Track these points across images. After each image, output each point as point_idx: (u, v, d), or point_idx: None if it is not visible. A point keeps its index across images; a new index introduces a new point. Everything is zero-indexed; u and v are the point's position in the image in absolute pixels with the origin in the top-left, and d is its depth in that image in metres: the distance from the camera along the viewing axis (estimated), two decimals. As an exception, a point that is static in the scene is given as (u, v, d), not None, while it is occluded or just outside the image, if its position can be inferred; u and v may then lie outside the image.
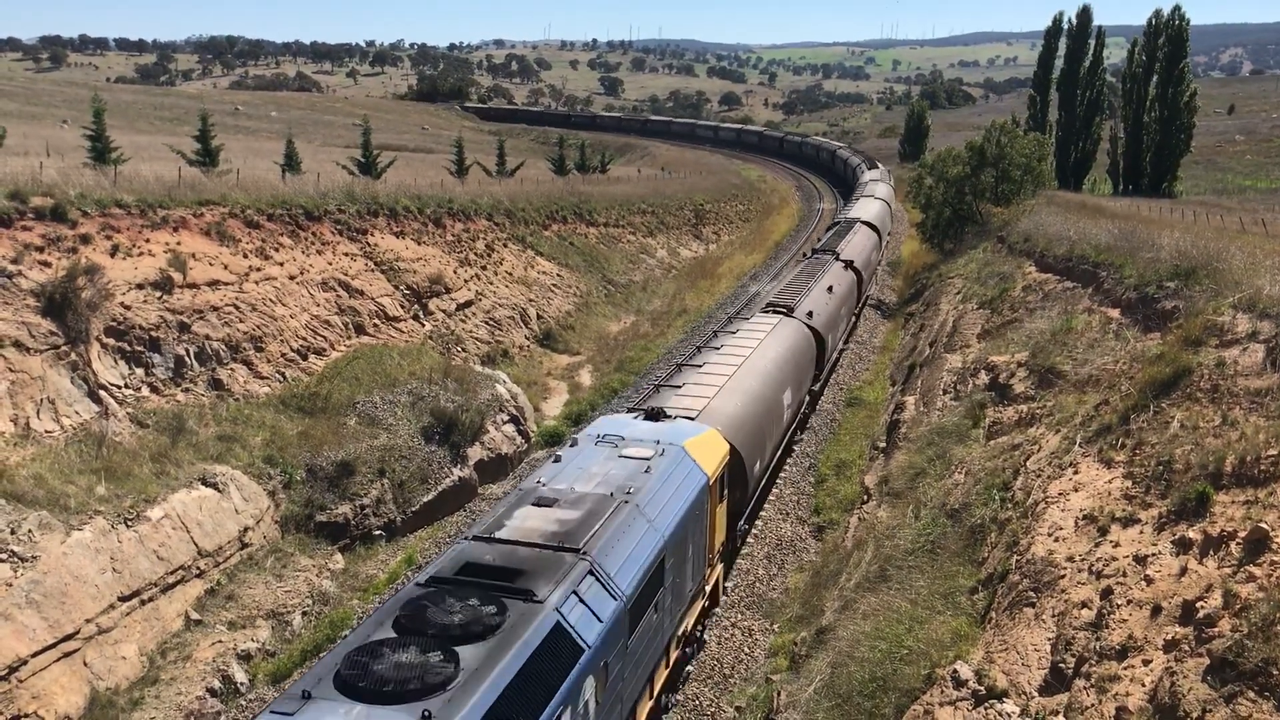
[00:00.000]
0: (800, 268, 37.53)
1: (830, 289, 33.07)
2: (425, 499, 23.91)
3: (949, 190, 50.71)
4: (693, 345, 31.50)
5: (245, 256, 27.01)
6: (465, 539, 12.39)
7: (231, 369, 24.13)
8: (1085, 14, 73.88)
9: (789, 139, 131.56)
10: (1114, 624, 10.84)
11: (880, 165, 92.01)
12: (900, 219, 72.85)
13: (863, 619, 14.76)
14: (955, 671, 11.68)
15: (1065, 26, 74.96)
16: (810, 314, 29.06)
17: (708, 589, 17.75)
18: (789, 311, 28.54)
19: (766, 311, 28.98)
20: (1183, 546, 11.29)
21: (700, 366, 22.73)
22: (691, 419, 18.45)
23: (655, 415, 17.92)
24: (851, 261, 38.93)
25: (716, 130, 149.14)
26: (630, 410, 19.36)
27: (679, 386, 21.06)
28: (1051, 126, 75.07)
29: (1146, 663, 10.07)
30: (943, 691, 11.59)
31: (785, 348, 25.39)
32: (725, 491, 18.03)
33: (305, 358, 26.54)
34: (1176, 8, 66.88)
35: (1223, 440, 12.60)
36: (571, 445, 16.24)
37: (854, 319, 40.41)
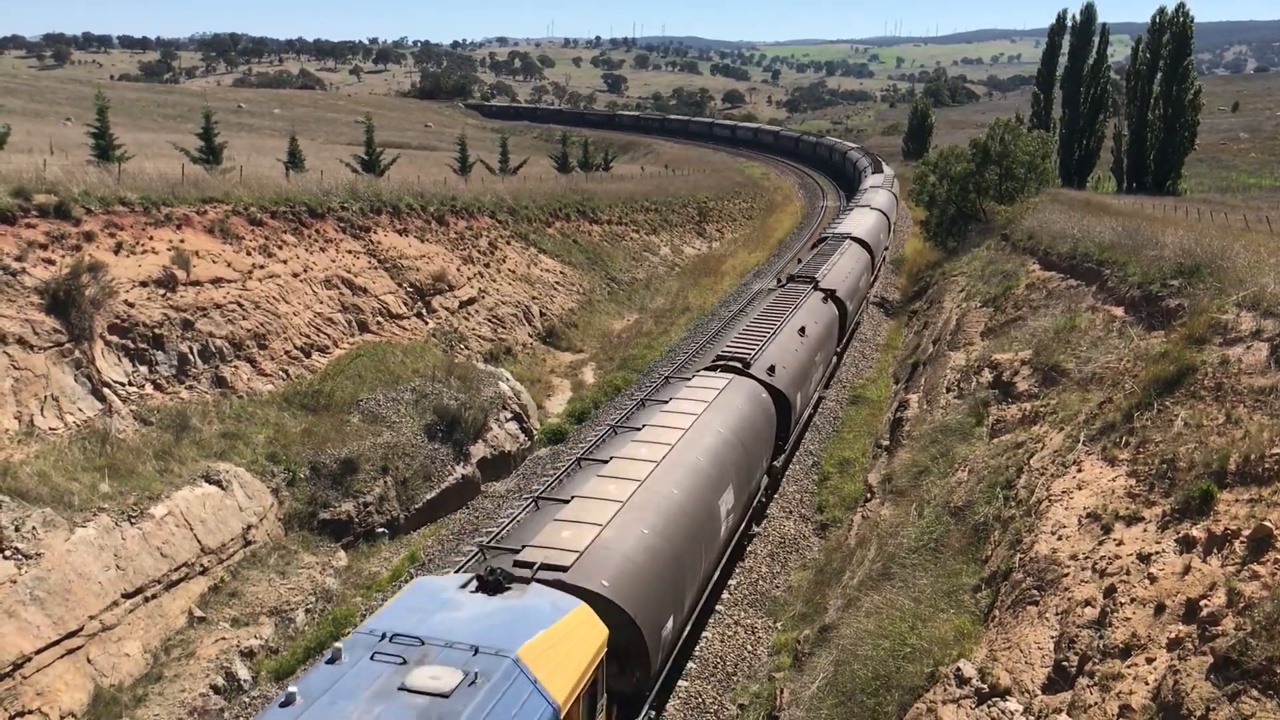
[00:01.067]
0: (769, 300, 31.85)
1: (802, 331, 27.43)
2: (428, 496, 23.94)
3: (953, 188, 50.65)
4: (623, 412, 24.55)
5: (249, 254, 27.04)
6: None
7: (235, 366, 24.15)
8: (1089, 11, 73.70)
9: (804, 139, 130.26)
10: (1117, 622, 10.83)
11: (887, 168, 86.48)
12: (904, 218, 72.65)
13: (866, 617, 14.75)
14: (958, 669, 11.68)
15: (1069, 24, 74.83)
16: (771, 369, 23.48)
17: None
18: (743, 368, 22.87)
19: (714, 368, 23.13)
20: (1186, 545, 11.27)
21: (606, 463, 16.64)
22: (562, 570, 12.59)
23: (493, 583, 11.80)
24: (833, 291, 33.10)
25: (734, 130, 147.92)
26: (477, 553, 13.55)
27: (565, 501, 14.98)
28: (1055, 124, 74.91)
29: (1150, 661, 10.06)
30: (946, 689, 11.59)
31: (732, 423, 19.51)
32: (601, 701, 12.21)
33: (308, 355, 26.56)
34: (1181, 5, 66.68)
35: (1226, 438, 12.59)
36: (329, 660, 10.09)
37: (834, 361, 34.13)
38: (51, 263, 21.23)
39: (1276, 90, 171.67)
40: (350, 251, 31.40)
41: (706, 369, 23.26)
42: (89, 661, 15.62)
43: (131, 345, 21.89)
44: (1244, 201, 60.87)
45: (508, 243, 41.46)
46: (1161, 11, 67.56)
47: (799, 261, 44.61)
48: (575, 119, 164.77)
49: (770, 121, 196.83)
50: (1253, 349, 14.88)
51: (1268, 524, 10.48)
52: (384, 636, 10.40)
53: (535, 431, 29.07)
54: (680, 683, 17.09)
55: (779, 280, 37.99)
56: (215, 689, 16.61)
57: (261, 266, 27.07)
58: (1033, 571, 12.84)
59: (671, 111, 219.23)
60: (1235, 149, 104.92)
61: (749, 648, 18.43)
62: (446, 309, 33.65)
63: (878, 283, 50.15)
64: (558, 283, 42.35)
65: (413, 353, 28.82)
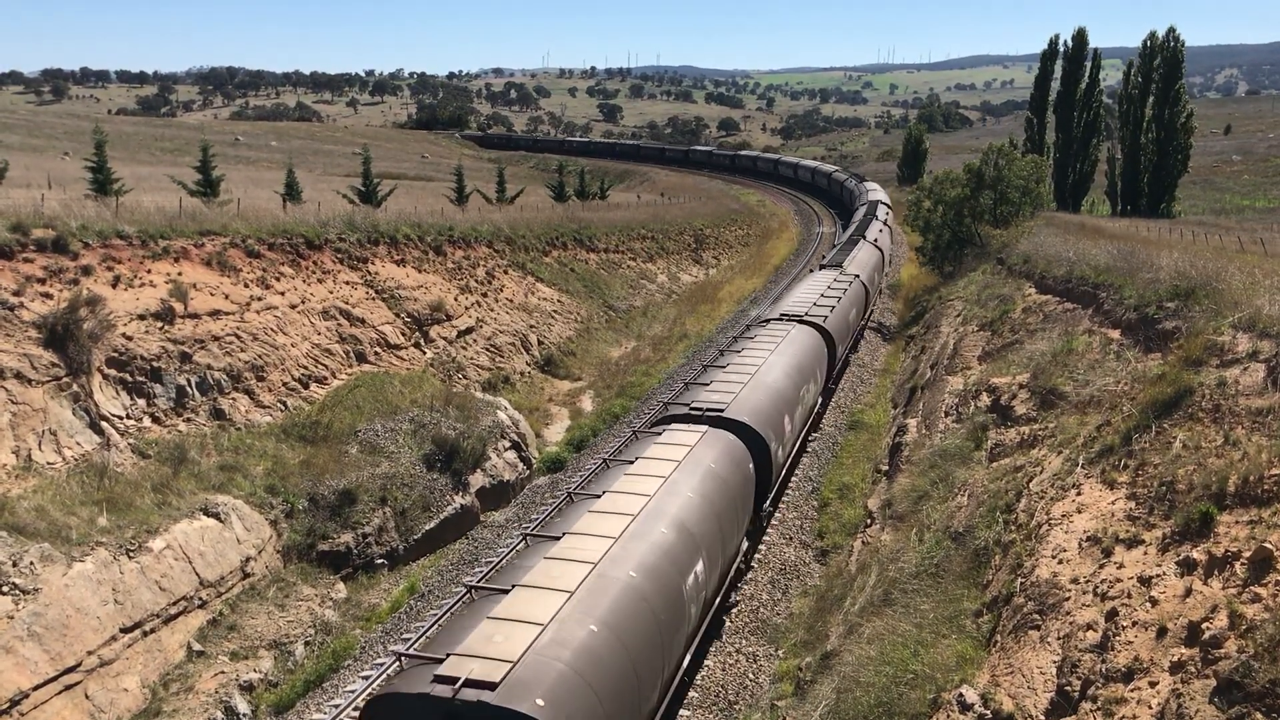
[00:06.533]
0: (752, 338, 28.05)
1: (786, 371, 24.68)
2: (427, 527, 23.86)
3: (948, 213, 50.86)
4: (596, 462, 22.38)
5: (246, 286, 27.10)
6: None
7: (233, 398, 24.14)
8: (1081, 36, 74.26)
9: (834, 178, 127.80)
10: (1119, 646, 10.79)
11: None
12: (900, 243, 72.75)
13: (867, 643, 14.68)
14: (961, 695, 11.61)
15: (1061, 49, 75.33)
16: (750, 422, 20.52)
17: None
18: (718, 419, 19.82)
19: (687, 420, 20.17)
20: (1187, 567, 11.24)
21: (555, 540, 14.02)
22: (489, 688, 10.40)
23: None
24: (823, 327, 29.84)
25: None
26: (393, 661, 11.95)
27: (505, 590, 12.48)
28: (1049, 148, 75.33)
29: (1153, 685, 10.01)
30: (948, 716, 11.52)
31: (706, 488, 16.96)
32: None
33: (306, 386, 26.56)
34: (1172, 29, 67.33)
35: (1225, 460, 12.57)
36: None
37: (822, 402, 29.91)
38: (49, 297, 21.28)
39: (1268, 113, 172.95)
40: (348, 282, 31.47)
41: (678, 421, 20.45)
42: (87, 697, 15.51)
43: (129, 378, 21.90)
44: (1238, 223, 61.21)
45: (505, 272, 41.57)
46: (1153, 36, 68.19)
47: (786, 293, 39.67)
48: (579, 149, 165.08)
49: (765, 149, 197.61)
50: (1249, 370, 14.90)
51: (1268, 545, 10.46)
52: None
53: (534, 460, 29.02)
54: (682, 712, 16.98)
55: (762, 317, 33.03)
56: (214, 724, 16.49)
57: (259, 298, 27.12)
58: (1034, 595, 12.80)
59: (665, 140, 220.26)
60: (1228, 171, 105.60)
61: (750, 676, 18.31)
62: (444, 338, 33.69)
63: (873, 315, 49.63)
64: (555, 311, 42.42)
65: (411, 382, 28.83)
